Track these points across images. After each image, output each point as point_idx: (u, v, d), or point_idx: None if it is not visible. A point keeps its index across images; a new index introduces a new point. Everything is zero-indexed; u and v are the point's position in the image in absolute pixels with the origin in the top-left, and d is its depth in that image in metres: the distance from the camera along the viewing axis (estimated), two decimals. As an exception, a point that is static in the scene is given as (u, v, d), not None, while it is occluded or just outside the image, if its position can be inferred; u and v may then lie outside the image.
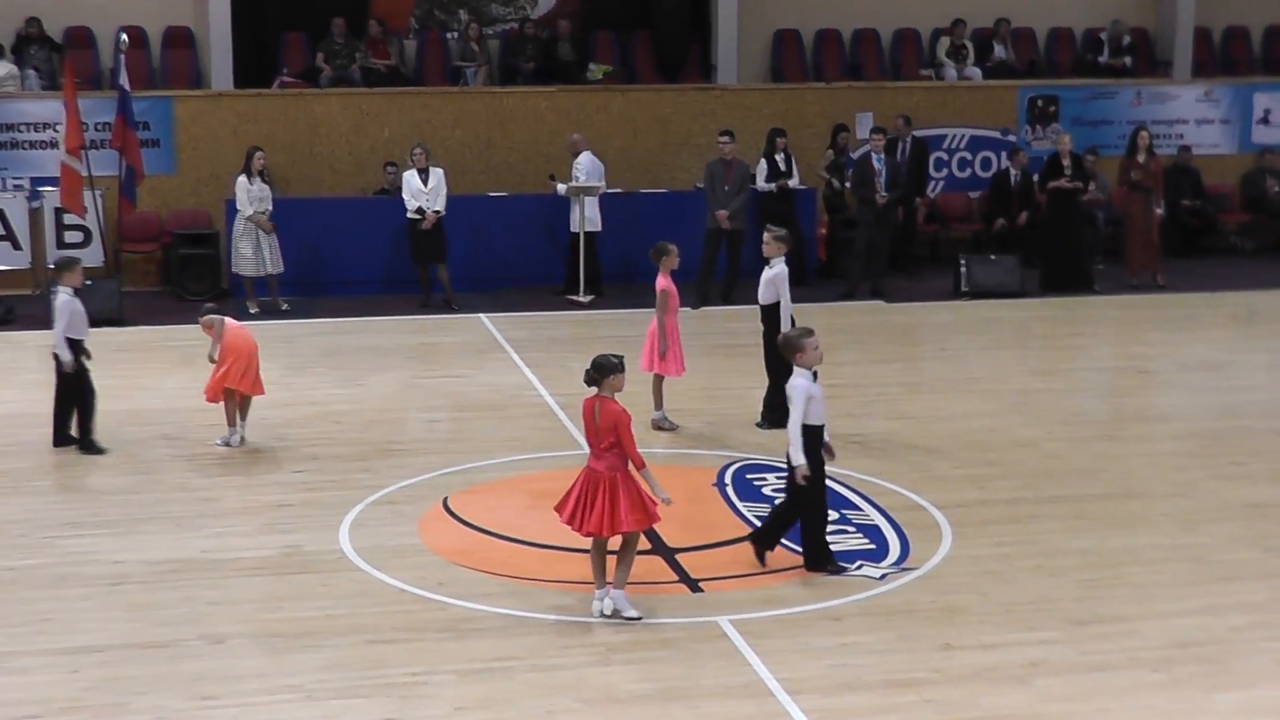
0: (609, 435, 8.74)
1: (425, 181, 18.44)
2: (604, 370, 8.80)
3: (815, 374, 9.57)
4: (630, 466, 8.79)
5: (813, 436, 9.46)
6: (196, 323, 12.74)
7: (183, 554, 9.95)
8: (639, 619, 8.79)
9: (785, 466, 9.56)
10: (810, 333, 9.70)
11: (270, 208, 18.20)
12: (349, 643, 8.47)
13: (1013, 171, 20.94)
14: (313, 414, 13.43)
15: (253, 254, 18.07)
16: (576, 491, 8.88)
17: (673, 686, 7.92)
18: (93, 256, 18.37)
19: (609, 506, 8.72)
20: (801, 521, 9.67)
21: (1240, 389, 14.54)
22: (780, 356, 12.78)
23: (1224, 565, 9.72)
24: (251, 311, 17.61)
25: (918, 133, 21.12)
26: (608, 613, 8.81)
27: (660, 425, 12.83)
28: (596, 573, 8.97)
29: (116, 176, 18.55)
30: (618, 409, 8.79)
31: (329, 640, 8.50)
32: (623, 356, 8.98)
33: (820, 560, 9.61)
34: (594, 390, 8.83)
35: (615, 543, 8.94)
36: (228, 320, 12.55)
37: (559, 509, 9.02)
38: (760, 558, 9.70)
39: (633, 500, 8.74)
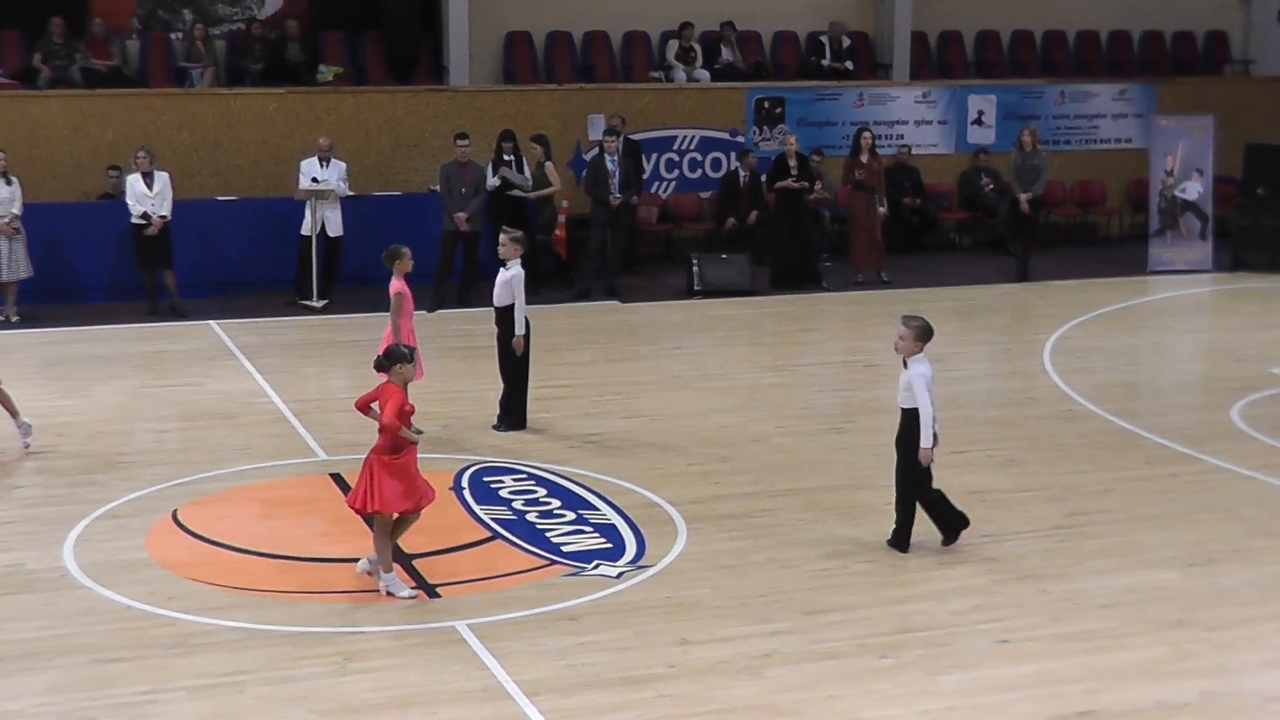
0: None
1: (150, 185, 17.95)
2: (393, 358, 9.33)
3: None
4: (404, 452, 9.21)
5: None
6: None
7: (-106, 577, 9.53)
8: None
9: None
10: None
11: (17, 210, 17.51)
12: (74, 663, 8.22)
13: (742, 172, 21.34)
14: (34, 427, 12.95)
15: None
16: (361, 470, 9.30)
17: (410, 694, 7.88)
18: None
19: (373, 484, 9.09)
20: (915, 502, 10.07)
21: (960, 380, 15.07)
22: (516, 359, 12.89)
23: (946, 551, 10.06)
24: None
25: (643, 135, 21.32)
26: (367, 574, 9.32)
27: None
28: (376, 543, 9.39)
29: None
30: (393, 388, 9.25)
31: (53, 661, 8.24)
32: (414, 349, 9.55)
33: (906, 540, 10.07)
34: (383, 378, 9.33)
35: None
36: None
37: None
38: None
39: (399, 483, 9.11)
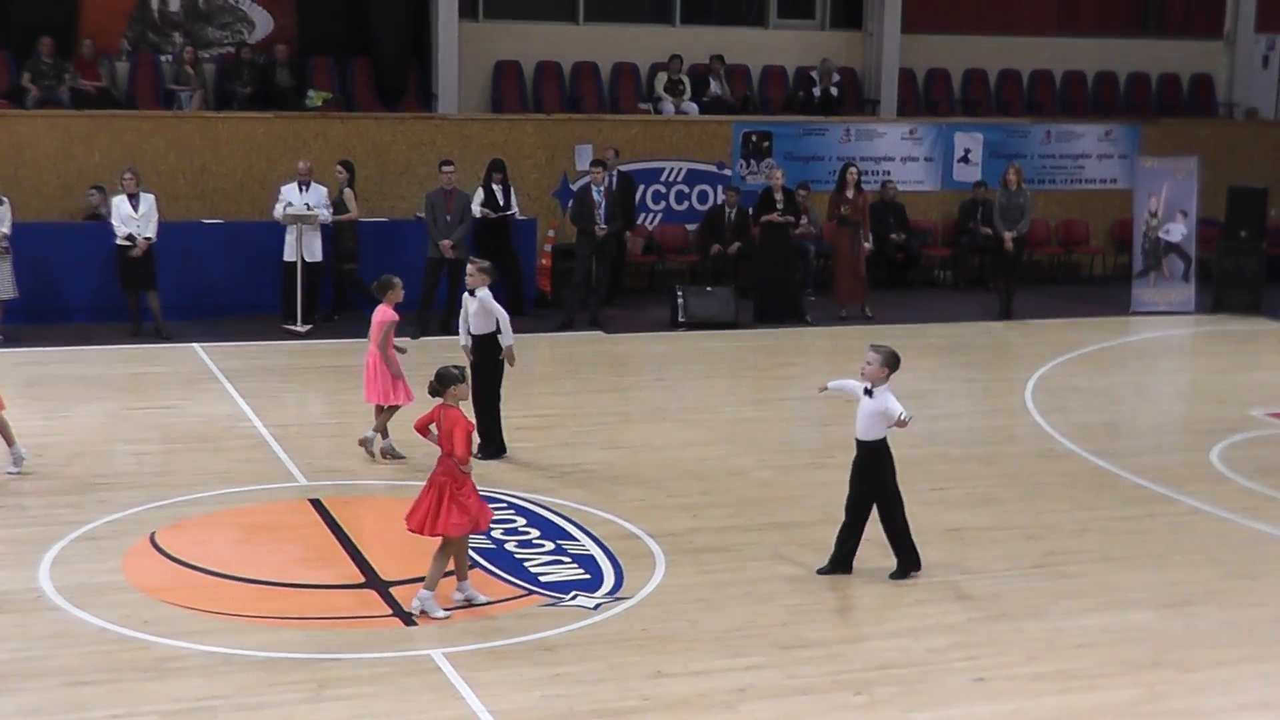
0: (448, 441, 9.27)
1: (136, 207, 17.96)
2: (445, 381, 9.47)
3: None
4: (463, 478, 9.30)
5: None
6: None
7: None
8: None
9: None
10: None
11: (6, 230, 17.51)
12: (45, 686, 8.18)
13: (728, 209, 21.36)
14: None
15: None
16: (421, 493, 9.34)
17: (383, 722, 7.87)
18: None
19: (434, 509, 9.20)
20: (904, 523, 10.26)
21: (941, 417, 15.09)
22: (488, 387, 12.87)
23: (923, 588, 10.07)
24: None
25: (630, 167, 21.38)
26: (422, 610, 9.33)
27: (389, 453, 12.80)
28: (458, 565, 9.50)
29: None
30: (456, 413, 9.36)
31: (24, 684, 8.20)
32: (464, 368, 9.61)
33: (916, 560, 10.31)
34: (439, 400, 9.45)
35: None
36: None
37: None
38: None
39: (458, 506, 9.20)
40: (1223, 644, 9.28)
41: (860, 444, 10.10)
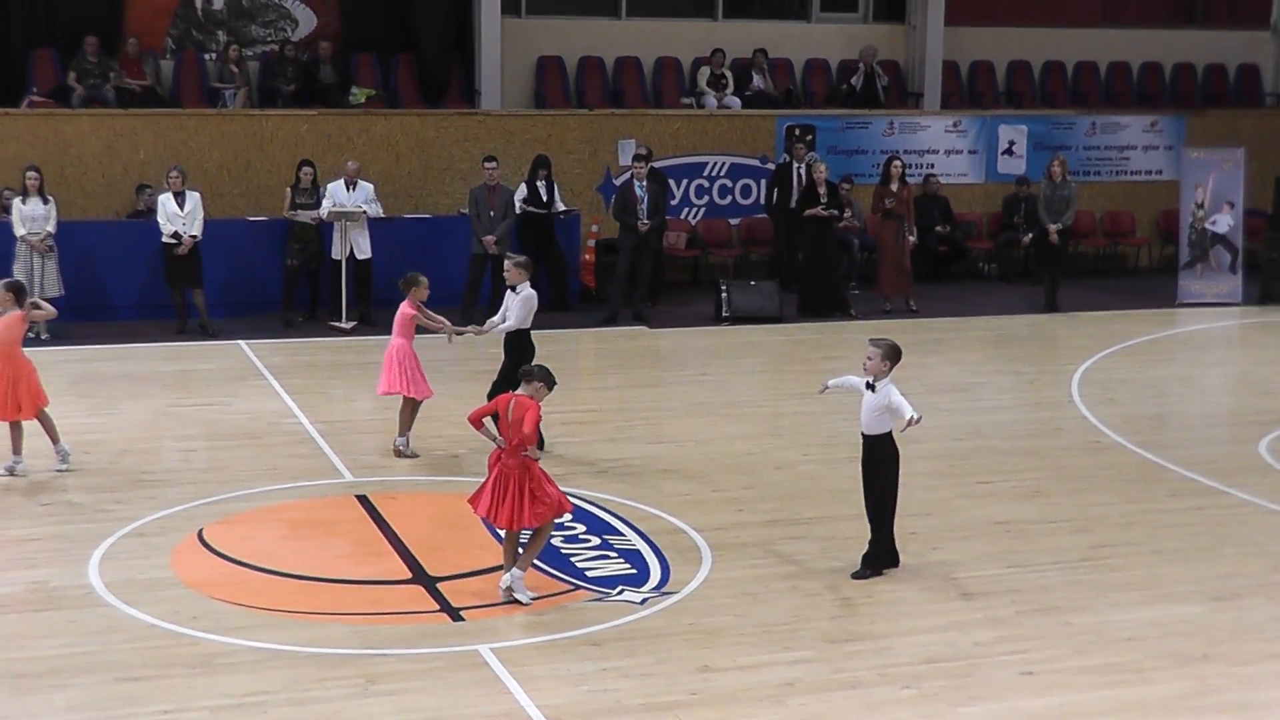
0: (518, 430, 9.28)
1: (181, 205, 18.05)
2: (532, 376, 9.56)
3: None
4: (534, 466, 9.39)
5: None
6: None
7: (-80, 592, 9.57)
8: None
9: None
10: None
11: (51, 229, 17.66)
12: (96, 681, 8.24)
13: (795, 163, 20.95)
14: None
15: (25, 277, 17.45)
16: (490, 485, 9.43)
17: (432, 717, 7.89)
18: None
19: (518, 503, 9.27)
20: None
21: (986, 410, 15.04)
22: (516, 381, 12.85)
23: (970, 582, 10.04)
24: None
25: (673, 161, 21.32)
26: (504, 589, 9.48)
27: (403, 451, 12.81)
28: (507, 556, 9.57)
29: None
30: (529, 401, 9.41)
31: (75, 679, 8.26)
32: (550, 371, 9.66)
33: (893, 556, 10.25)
34: (503, 394, 9.66)
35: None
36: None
37: (473, 502, 9.55)
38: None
39: (539, 496, 9.31)
40: (1273, 637, 9.21)
41: (865, 438, 10.05)
